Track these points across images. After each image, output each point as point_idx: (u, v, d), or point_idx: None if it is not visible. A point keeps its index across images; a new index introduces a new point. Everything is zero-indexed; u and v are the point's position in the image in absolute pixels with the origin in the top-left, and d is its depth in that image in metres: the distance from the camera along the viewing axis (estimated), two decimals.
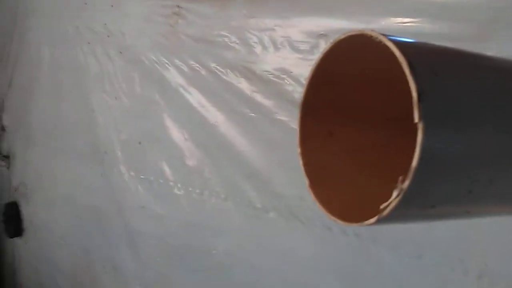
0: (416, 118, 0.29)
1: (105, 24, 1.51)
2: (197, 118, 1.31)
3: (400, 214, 0.32)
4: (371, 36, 0.34)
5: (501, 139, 0.33)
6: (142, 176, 1.50)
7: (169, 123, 1.41)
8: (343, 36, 0.37)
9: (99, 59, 1.57)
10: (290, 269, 1.24)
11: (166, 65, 1.36)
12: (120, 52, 1.48)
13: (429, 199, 0.32)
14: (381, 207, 0.32)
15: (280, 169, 1.19)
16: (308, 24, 1.07)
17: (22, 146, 2.00)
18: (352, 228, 1.11)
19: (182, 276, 1.47)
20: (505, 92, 0.34)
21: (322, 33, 1.03)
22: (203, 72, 1.27)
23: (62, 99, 1.73)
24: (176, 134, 1.38)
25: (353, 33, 0.36)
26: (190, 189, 1.38)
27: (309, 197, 1.08)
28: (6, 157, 2.10)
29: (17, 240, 2.09)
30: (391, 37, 0.33)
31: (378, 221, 0.32)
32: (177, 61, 1.33)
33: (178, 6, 1.29)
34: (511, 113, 0.33)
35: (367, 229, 1.09)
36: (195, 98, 1.32)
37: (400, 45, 0.32)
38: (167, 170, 1.42)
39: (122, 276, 1.61)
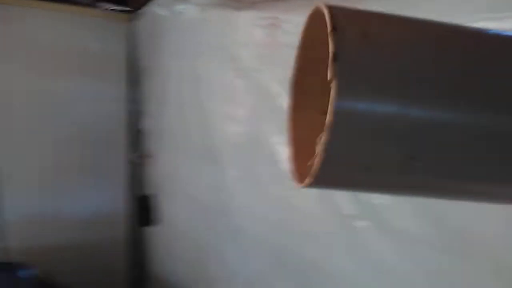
0: (329, 76, 0.30)
1: (218, 37, 1.67)
2: None
3: (332, 173, 0.33)
4: (319, 9, 0.36)
5: (418, 111, 0.31)
6: (244, 175, 1.60)
7: (268, 128, 1.48)
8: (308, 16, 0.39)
9: (215, 69, 1.73)
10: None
11: (266, 72, 1.45)
12: (230, 62, 1.62)
13: (359, 160, 0.32)
14: (308, 164, 0.33)
15: None
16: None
17: (156, 147, 2.30)
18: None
19: (279, 275, 1.52)
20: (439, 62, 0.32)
21: None
22: None
23: (184, 106, 1.95)
24: (275, 139, 1.45)
25: (311, 11, 0.38)
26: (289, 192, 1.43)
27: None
28: (146, 157, 2.44)
29: (148, 229, 2.40)
30: (331, 5, 0.34)
31: (313, 181, 0.33)
32: (275, 68, 1.40)
33: (275, 17, 1.37)
34: (439, 85, 0.31)
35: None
36: None
37: (333, 9, 0.33)
38: (267, 172, 1.50)
39: (229, 269, 1.73)
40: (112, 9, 2.72)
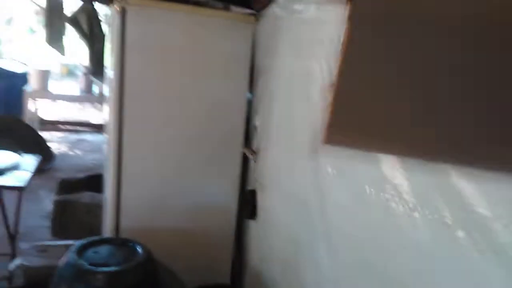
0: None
1: (329, 34, 1.66)
2: None
3: (349, 126, 0.31)
4: None
5: None
6: (342, 174, 1.58)
7: None
8: None
9: (322, 65, 1.73)
10: None
11: None
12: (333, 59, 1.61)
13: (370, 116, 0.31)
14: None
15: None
16: None
17: (264, 143, 2.38)
18: None
19: (369, 282, 1.47)
20: None
21: None
22: None
23: (292, 103, 1.99)
24: None
25: None
26: (381, 194, 1.37)
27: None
28: (255, 152, 2.54)
29: (251, 222, 2.49)
30: None
31: (329, 134, 0.32)
32: None
33: None
34: None
35: None
36: None
37: None
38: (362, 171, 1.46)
39: (321, 272, 1.72)
40: (240, 12, 2.89)
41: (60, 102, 8.75)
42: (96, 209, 3.93)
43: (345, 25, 0.29)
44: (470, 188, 1.05)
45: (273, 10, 2.27)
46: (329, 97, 0.31)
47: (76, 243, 2.29)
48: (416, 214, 1.24)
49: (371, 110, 0.29)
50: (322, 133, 0.36)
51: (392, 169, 1.33)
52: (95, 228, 3.68)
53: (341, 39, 1.11)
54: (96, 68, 3.90)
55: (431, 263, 1.20)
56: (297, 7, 1.98)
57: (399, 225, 1.30)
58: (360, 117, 0.30)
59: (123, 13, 2.39)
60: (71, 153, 6.78)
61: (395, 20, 0.34)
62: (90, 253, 2.25)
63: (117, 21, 2.41)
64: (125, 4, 2.38)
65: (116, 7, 2.38)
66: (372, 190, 1.41)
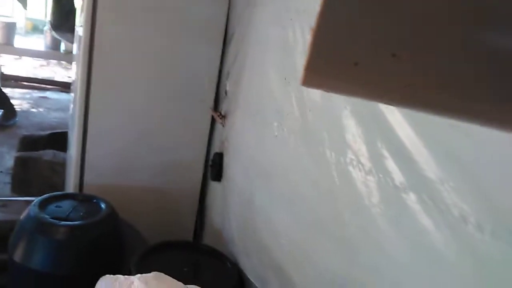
0: None
1: (304, 1, 1.70)
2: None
3: (324, 67, 0.36)
4: None
5: None
6: (306, 141, 1.64)
7: (335, 96, 1.49)
8: None
9: (296, 34, 1.77)
10: (419, 258, 1.18)
11: None
12: (310, 26, 1.64)
13: (348, 56, 0.35)
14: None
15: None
16: None
17: (232, 109, 2.42)
18: (489, 224, 0.99)
19: (324, 241, 1.55)
20: None
21: None
22: None
23: (264, 70, 2.02)
24: (338, 105, 1.46)
25: None
26: (341, 158, 1.44)
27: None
28: (224, 116, 2.57)
29: (216, 183, 2.55)
30: None
31: (307, 75, 0.36)
32: None
33: None
34: None
35: (507, 230, 0.96)
36: None
37: None
38: (326, 137, 1.52)
39: (275, 229, 1.80)
40: None
41: (24, 58, 8.40)
42: (58, 167, 3.89)
43: None
44: (423, 152, 1.14)
45: None
46: (309, 39, 0.34)
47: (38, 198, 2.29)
48: (371, 178, 1.32)
49: (350, 52, 0.32)
50: (301, 74, 0.39)
51: (352, 135, 1.40)
52: (57, 185, 3.65)
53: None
54: (61, 22, 3.76)
55: (382, 224, 1.29)
56: None
57: (356, 188, 1.38)
58: (339, 60, 0.33)
59: None
60: (34, 110, 6.59)
61: None
62: (52, 207, 2.25)
63: None
64: None
65: None
66: (332, 153, 1.48)
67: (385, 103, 0.77)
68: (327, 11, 0.33)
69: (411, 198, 1.17)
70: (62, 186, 3.41)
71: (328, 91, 0.99)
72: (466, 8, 0.31)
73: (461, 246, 1.04)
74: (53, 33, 6.15)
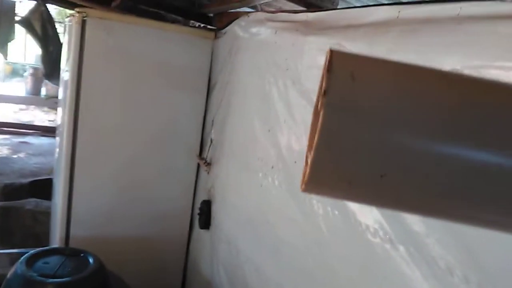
0: (318, 106, 0.39)
1: (286, 59, 1.78)
2: None
3: (321, 183, 0.41)
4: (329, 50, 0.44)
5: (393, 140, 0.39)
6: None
7: None
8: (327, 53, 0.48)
9: (279, 88, 1.85)
10: None
11: None
12: (293, 83, 1.72)
13: (341, 174, 0.40)
14: (302, 175, 0.41)
15: None
16: (454, 63, 1.08)
17: (217, 156, 2.46)
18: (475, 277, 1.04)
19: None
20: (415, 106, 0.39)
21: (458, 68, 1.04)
22: None
23: (248, 119, 2.08)
24: None
25: (328, 49, 0.47)
26: (329, 209, 1.49)
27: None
28: (209, 164, 2.61)
29: (204, 231, 2.55)
30: (337, 49, 0.43)
31: (306, 188, 0.41)
32: None
33: (339, 44, 1.45)
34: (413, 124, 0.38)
35: (490, 283, 1.01)
36: None
37: (335, 53, 0.41)
38: None
39: (264, 278, 1.82)
40: (200, 27, 2.96)
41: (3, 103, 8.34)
42: (41, 216, 3.83)
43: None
44: None
45: (233, 29, 2.36)
46: (310, 156, 0.38)
47: (24, 252, 2.25)
48: (360, 229, 1.36)
49: (344, 172, 0.36)
50: (302, 183, 0.43)
51: None
52: (40, 235, 3.59)
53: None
54: (51, 70, 3.80)
55: (372, 275, 1.32)
56: (256, 29, 2.09)
57: (345, 240, 1.42)
58: (335, 178, 0.37)
59: (82, 23, 2.40)
60: (14, 156, 6.49)
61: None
62: (39, 264, 2.21)
63: (76, 30, 2.41)
64: (84, 16, 2.39)
65: (76, 17, 2.39)
66: (319, 205, 1.53)
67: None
68: (324, 135, 0.38)
69: (400, 250, 1.21)
70: (45, 235, 3.35)
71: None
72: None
73: None
74: (47, 81, 6.18)
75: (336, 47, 1.46)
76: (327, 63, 0.40)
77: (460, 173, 0.39)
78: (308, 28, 1.63)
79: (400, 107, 0.40)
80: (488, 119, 0.38)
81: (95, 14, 2.45)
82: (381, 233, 1.28)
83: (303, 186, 0.42)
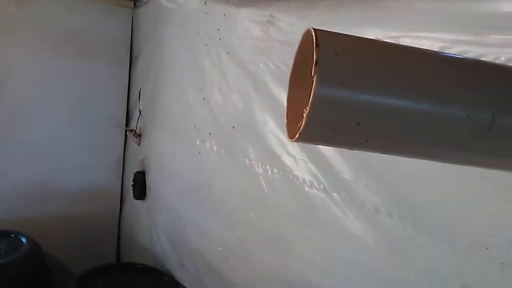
0: (312, 73, 0.51)
1: (218, 29, 1.86)
2: (279, 109, 1.57)
3: (313, 132, 0.53)
4: (310, 30, 0.56)
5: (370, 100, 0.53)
6: (232, 155, 1.81)
7: (257, 112, 1.69)
8: (303, 33, 0.60)
9: (213, 59, 1.93)
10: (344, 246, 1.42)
11: (259, 64, 1.65)
12: (227, 53, 1.82)
13: (328, 124, 0.53)
14: (298, 125, 0.53)
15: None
16: (376, 33, 1.25)
17: (148, 127, 2.50)
18: (396, 211, 1.26)
19: (258, 243, 1.74)
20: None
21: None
22: (286, 70, 1.52)
23: (181, 90, 2.14)
24: (261, 120, 1.66)
25: (305, 30, 0.58)
26: (268, 167, 1.65)
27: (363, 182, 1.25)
28: (139, 135, 2.62)
29: (139, 202, 2.60)
30: (319, 28, 0.54)
31: (300, 137, 0.54)
32: (267, 61, 1.61)
33: (271, 15, 1.57)
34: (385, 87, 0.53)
35: (409, 214, 1.23)
36: (279, 92, 1.58)
37: (319, 32, 0.53)
38: (251, 150, 1.71)
39: (208, 238, 1.95)
40: None
41: None
42: None
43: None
44: (337, 158, 1.38)
45: None
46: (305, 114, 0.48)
47: None
48: (297, 182, 1.54)
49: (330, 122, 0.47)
50: (293, 134, 0.54)
51: (277, 147, 1.61)
52: None
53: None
54: None
55: (311, 220, 1.51)
56: (183, 0, 2.13)
57: (285, 193, 1.59)
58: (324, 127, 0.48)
59: None
60: None
61: None
62: None
63: None
64: None
65: None
66: (259, 164, 1.68)
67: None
68: (317, 95, 0.50)
69: (333, 197, 1.41)
70: None
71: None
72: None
73: (376, 231, 1.30)
74: None
75: (270, 19, 1.57)
76: (314, 39, 0.52)
77: (406, 121, 0.54)
78: (240, 0, 1.72)
79: (369, 72, 0.53)
80: (429, 79, 0.53)
81: None
82: (316, 184, 1.47)
83: (297, 137, 0.54)
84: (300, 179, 1.53)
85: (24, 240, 2.22)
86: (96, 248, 2.80)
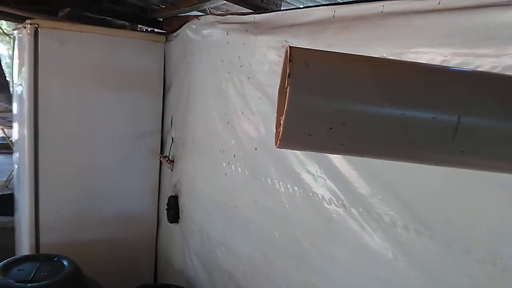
0: (286, 85, 0.58)
1: (239, 57, 1.97)
2: None
3: (291, 137, 0.59)
4: (286, 48, 0.63)
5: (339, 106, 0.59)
6: (255, 175, 1.88)
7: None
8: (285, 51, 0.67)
9: (235, 84, 2.03)
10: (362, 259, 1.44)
11: (277, 86, 1.73)
12: (248, 78, 1.91)
13: (303, 129, 0.59)
14: (276, 132, 0.60)
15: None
16: (381, 52, 1.31)
17: (180, 153, 2.61)
18: (412, 225, 1.28)
19: (282, 261, 1.78)
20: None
21: None
22: None
23: (207, 116, 2.25)
24: None
25: (288, 46, 0.65)
26: (289, 185, 1.70)
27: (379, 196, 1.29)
28: (172, 161, 2.74)
29: (173, 225, 2.69)
30: (294, 46, 0.61)
31: (280, 143, 0.60)
32: None
33: (285, 41, 1.66)
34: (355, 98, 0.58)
35: (424, 227, 1.25)
36: None
37: (293, 49, 0.60)
38: (273, 170, 1.77)
39: (235, 258, 2.00)
40: (150, 31, 3.08)
41: None
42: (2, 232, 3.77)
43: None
44: (353, 174, 1.42)
45: (185, 32, 2.51)
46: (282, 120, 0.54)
47: None
48: (316, 199, 1.58)
49: (305, 127, 0.51)
50: (276, 140, 0.61)
51: (296, 166, 1.66)
52: (4, 252, 3.54)
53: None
54: None
55: (330, 236, 1.54)
56: (208, 32, 2.26)
57: (304, 210, 1.63)
58: (299, 132, 0.53)
59: (35, 34, 2.45)
60: None
61: None
62: (14, 271, 2.26)
63: (29, 41, 2.46)
64: (37, 26, 2.45)
65: (28, 28, 2.44)
66: (281, 183, 1.73)
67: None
68: (291, 104, 0.57)
69: (352, 212, 1.43)
70: (11, 250, 3.33)
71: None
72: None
73: (393, 244, 1.32)
74: None
75: (284, 44, 1.66)
76: (288, 55, 0.59)
77: (375, 125, 0.59)
78: (257, 29, 1.83)
79: (337, 81, 0.59)
80: (392, 85, 0.58)
81: (46, 24, 2.51)
82: (334, 200, 1.50)
83: (278, 142, 0.60)
84: (320, 196, 1.57)
85: (66, 263, 2.35)
86: (135, 271, 2.90)
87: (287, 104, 0.57)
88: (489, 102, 0.61)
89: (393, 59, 0.67)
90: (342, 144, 0.61)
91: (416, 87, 0.59)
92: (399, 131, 0.60)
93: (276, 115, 0.69)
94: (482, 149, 0.62)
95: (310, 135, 0.59)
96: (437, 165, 0.70)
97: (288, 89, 0.57)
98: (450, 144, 0.60)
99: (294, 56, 0.59)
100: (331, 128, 0.59)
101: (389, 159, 0.68)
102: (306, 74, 0.58)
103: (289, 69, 0.58)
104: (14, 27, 3.21)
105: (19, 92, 2.77)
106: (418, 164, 0.68)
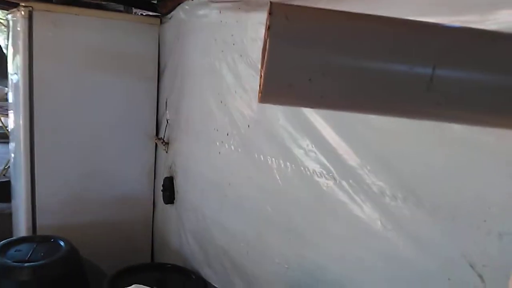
0: (266, 35, 0.60)
1: (232, 35, 1.97)
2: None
3: (272, 89, 0.61)
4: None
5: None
6: (248, 152, 1.90)
7: (268, 110, 1.78)
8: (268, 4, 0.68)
9: (228, 63, 2.04)
10: (353, 230, 1.46)
11: None
12: (240, 56, 1.92)
13: (283, 79, 0.61)
14: (259, 88, 0.62)
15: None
16: None
17: (175, 134, 2.63)
18: (400, 193, 1.30)
19: (275, 236, 1.81)
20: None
21: None
22: None
23: (201, 96, 2.27)
24: (273, 117, 1.74)
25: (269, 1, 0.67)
26: (281, 161, 1.72)
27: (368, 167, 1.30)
28: (166, 143, 2.76)
29: (169, 206, 2.72)
30: (275, 1, 0.63)
31: (262, 96, 0.62)
32: None
33: None
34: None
35: (411, 194, 1.27)
36: None
37: (273, 3, 0.62)
38: (265, 147, 1.79)
39: (230, 235, 2.03)
40: (144, 14, 3.08)
41: None
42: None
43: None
44: (343, 146, 1.44)
45: (178, 13, 2.51)
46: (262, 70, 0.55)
47: None
48: (307, 173, 1.60)
49: (287, 77, 0.52)
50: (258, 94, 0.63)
51: (287, 141, 1.68)
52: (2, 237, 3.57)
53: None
54: None
55: (321, 209, 1.57)
56: (201, 12, 2.26)
57: (296, 185, 1.66)
58: (281, 83, 0.54)
59: (29, 17, 2.45)
60: None
61: None
62: (12, 252, 2.30)
63: (23, 24, 2.46)
64: (31, 9, 2.45)
65: (22, 11, 2.43)
66: (273, 159, 1.75)
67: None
68: (271, 56, 0.58)
69: (342, 184, 1.46)
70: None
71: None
72: None
73: (382, 214, 1.34)
74: None
75: None
76: (268, 9, 0.61)
77: (352, 77, 0.61)
78: (249, 6, 1.83)
79: (316, 34, 0.61)
80: (367, 37, 0.60)
81: (41, 7, 2.51)
82: (325, 173, 1.53)
83: (260, 96, 0.62)
84: (311, 170, 1.59)
85: (62, 244, 2.38)
86: (131, 252, 2.94)
87: (267, 56, 0.59)
88: (464, 53, 0.62)
89: (370, 14, 0.69)
90: (321, 97, 0.63)
91: (391, 39, 0.61)
92: (376, 83, 0.61)
93: (260, 69, 0.71)
94: (457, 101, 0.64)
95: (289, 85, 0.61)
96: (415, 118, 0.72)
97: (267, 41, 0.59)
98: (426, 95, 0.62)
99: (274, 9, 0.60)
100: (310, 79, 0.61)
101: (368, 112, 0.70)
102: (286, 26, 0.60)
103: (269, 21, 0.59)
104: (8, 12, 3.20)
105: (14, 81, 2.77)
106: (396, 117, 0.70)
